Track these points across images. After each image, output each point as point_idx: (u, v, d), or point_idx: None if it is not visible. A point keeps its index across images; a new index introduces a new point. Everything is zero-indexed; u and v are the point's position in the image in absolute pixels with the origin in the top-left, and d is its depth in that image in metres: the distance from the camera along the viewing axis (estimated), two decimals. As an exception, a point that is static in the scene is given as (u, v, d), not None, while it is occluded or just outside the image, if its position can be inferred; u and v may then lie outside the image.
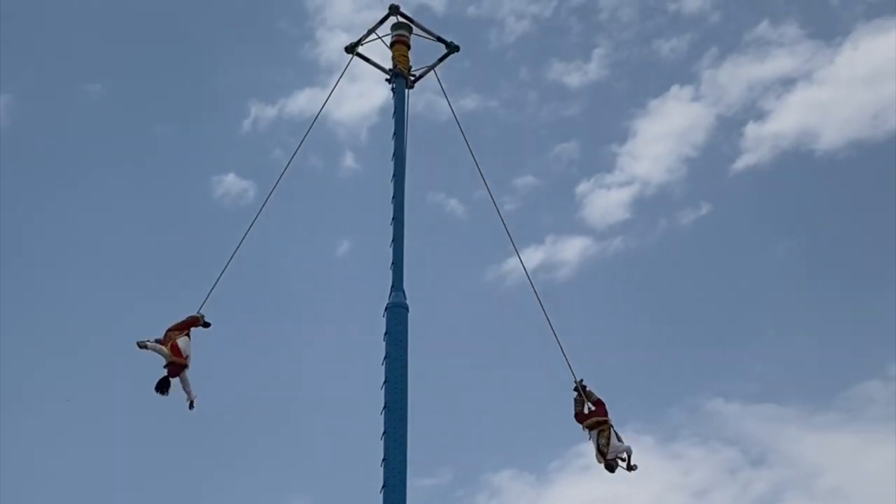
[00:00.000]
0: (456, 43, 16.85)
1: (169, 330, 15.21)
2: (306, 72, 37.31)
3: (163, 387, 14.81)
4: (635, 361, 33.28)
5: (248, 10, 38.81)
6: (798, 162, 35.82)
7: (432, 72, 16.76)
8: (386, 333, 14.22)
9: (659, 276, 35.66)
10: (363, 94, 16.78)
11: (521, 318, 34.72)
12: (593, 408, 15.04)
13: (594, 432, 14.92)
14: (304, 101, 36.35)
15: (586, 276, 34.19)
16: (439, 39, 16.88)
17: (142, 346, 14.83)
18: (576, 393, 15.15)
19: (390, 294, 14.51)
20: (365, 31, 16.87)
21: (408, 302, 14.57)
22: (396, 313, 14.31)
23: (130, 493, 27.93)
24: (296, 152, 16.53)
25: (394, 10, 16.65)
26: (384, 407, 13.79)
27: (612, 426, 14.88)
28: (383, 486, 13.35)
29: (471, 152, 16.16)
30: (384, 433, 13.63)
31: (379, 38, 16.69)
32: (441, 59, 16.83)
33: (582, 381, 15.16)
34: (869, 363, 32.54)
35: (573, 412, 15.18)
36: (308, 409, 30.36)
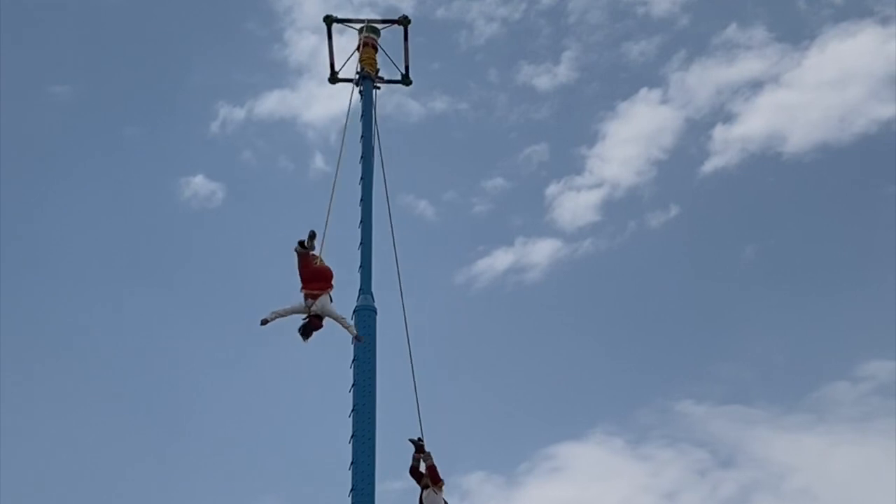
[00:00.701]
0: (406, 16, 16.74)
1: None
2: (275, 73, 37.21)
3: (306, 330, 13.42)
4: (605, 363, 33.40)
5: (216, 11, 38.66)
6: (766, 164, 36.05)
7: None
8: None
9: (628, 278, 35.81)
10: (333, 96, 16.78)
11: (491, 320, 34.87)
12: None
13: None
14: (272, 103, 36.27)
15: (556, 277, 34.23)
16: (384, 21, 16.81)
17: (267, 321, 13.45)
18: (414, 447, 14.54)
19: (358, 297, 14.51)
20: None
21: (377, 304, 14.54)
22: (364, 316, 14.29)
23: (101, 493, 27.78)
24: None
25: (329, 20, 16.65)
26: (352, 410, 13.76)
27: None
28: (352, 489, 13.33)
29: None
30: (353, 436, 13.59)
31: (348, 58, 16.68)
32: (406, 38, 16.73)
33: (420, 438, 14.55)
34: (837, 365, 32.79)
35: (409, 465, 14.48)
36: (277, 411, 30.27)
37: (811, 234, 35.86)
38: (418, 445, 14.41)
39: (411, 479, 14.23)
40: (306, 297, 13.44)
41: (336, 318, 13.39)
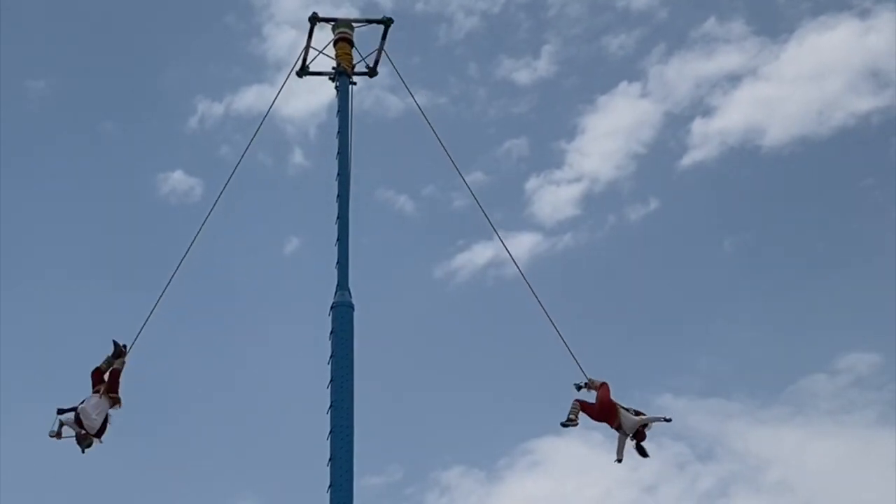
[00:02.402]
0: (388, 16, 16.69)
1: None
2: (254, 68, 37.04)
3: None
4: (584, 358, 33.40)
5: (194, 5, 38.50)
6: (744, 158, 36.16)
7: (384, 55, 16.73)
8: (332, 332, 14.16)
9: (608, 271, 35.89)
10: (312, 91, 16.73)
11: (471, 314, 34.87)
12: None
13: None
14: (251, 98, 36.09)
15: (536, 271, 34.00)
16: (369, 21, 16.78)
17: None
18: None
19: (336, 293, 14.45)
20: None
21: (356, 300, 14.48)
22: (342, 312, 14.24)
23: (76, 494, 27.63)
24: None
25: (314, 18, 16.55)
26: (330, 406, 13.72)
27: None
28: (330, 486, 13.30)
29: (437, 137, 16.06)
30: (330, 432, 13.56)
31: (320, 51, 16.59)
32: (384, 38, 16.70)
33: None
34: (815, 357, 32.95)
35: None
36: (255, 408, 30.20)
37: (790, 227, 36.05)
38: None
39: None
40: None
41: None
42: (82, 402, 14.16)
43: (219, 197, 16.16)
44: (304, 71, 16.83)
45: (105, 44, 37.39)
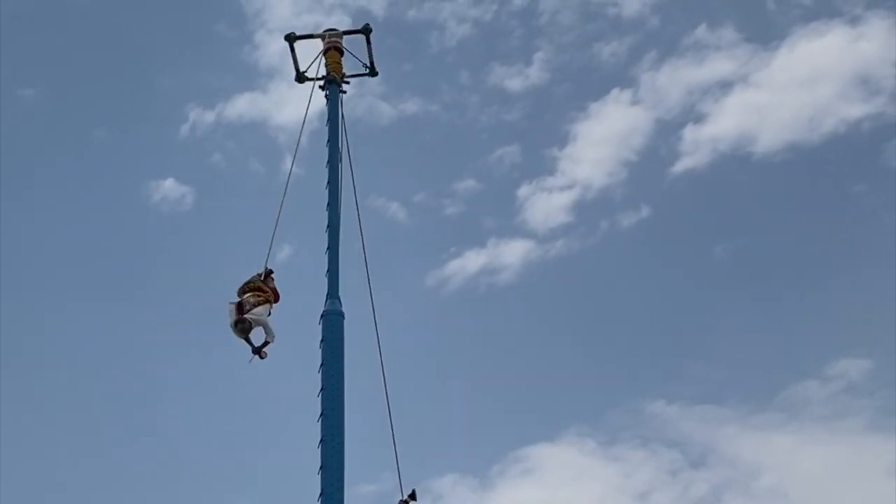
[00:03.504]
0: (368, 25, 16.78)
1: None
2: (245, 76, 37.19)
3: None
4: (578, 364, 33.50)
5: (185, 13, 38.53)
6: (736, 165, 36.29)
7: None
8: (322, 341, 14.16)
9: (600, 278, 35.96)
10: (304, 98, 16.78)
11: (463, 322, 34.87)
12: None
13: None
14: (243, 106, 36.21)
15: (529, 279, 34.36)
16: (347, 32, 16.79)
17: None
18: None
19: (326, 301, 14.47)
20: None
21: (349, 307, 14.51)
22: (332, 320, 14.25)
23: (69, 498, 27.60)
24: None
25: (291, 38, 16.60)
26: (321, 414, 13.72)
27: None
28: (321, 494, 13.29)
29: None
30: (321, 440, 13.55)
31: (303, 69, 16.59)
32: (369, 45, 16.75)
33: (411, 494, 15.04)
34: (806, 364, 33.06)
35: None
36: (246, 416, 30.16)
37: (781, 233, 36.16)
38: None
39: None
40: None
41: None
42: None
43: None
44: (302, 78, 16.79)
45: (97, 52, 37.47)
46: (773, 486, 30.89)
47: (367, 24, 16.73)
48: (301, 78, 16.79)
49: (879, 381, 32.08)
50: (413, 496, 14.36)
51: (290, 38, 16.67)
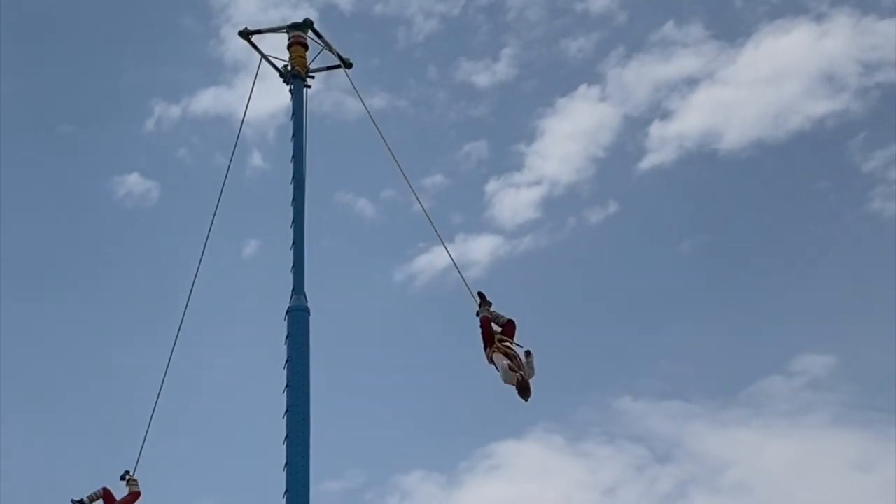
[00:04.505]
0: (350, 61, 16.62)
1: None
2: (211, 70, 36.90)
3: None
4: (544, 360, 33.44)
5: (151, 7, 38.22)
6: (702, 161, 36.39)
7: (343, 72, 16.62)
8: (287, 337, 14.10)
9: (568, 274, 36.00)
10: (271, 93, 16.67)
11: (431, 318, 34.84)
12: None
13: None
14: (208, 101, 35.94)
15: (497, 274, 34.28)
16: (340, 57, 16.60)
17: None
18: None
19: (291, 297, 14.39)
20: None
21: (315, 304, 14.42)
22: (297, 317, 14.17)
23: (37, 499, 27.35)
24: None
25: (308, 24, 16.45)
26: (286, 411, 13.66)
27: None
28: (286, 491, 13.23)
29: (386, 143, 15.99)
30: (286, 437, 13.49)
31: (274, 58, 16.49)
32: (329, 68, 16.64)
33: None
34: (771, 359, 33.20)
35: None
36: (211, 412, 29.99)
37: (746, 229, 36.31)
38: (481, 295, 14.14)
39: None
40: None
41: None
42: None
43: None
44: (247, 33, 16.61)
45: (62, 46, 37.13)
46: (739, 480, 31.08)
47: (308, 19, 16.47)
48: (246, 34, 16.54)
49: (843, 376, 32.37)
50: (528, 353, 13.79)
51: (245, 34, 16.46)
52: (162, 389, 15.29)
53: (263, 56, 16.43)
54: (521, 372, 13.43)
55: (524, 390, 13.36)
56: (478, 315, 14.26)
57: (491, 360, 13.67)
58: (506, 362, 13.38)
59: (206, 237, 15.64)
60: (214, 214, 15.57)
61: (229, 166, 15.84)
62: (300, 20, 16.52)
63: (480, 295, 14.42)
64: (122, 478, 15.66)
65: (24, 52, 36.95)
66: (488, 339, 13.85)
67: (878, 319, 31.59)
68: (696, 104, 36.31)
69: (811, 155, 36.43)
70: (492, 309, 14.28)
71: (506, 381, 13.36)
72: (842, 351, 32.32)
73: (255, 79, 16.31)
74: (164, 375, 15.54)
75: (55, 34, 37.04)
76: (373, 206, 35.19)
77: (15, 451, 28.48)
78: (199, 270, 15.80)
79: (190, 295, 15.41)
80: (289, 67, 16.20)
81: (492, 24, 38.33)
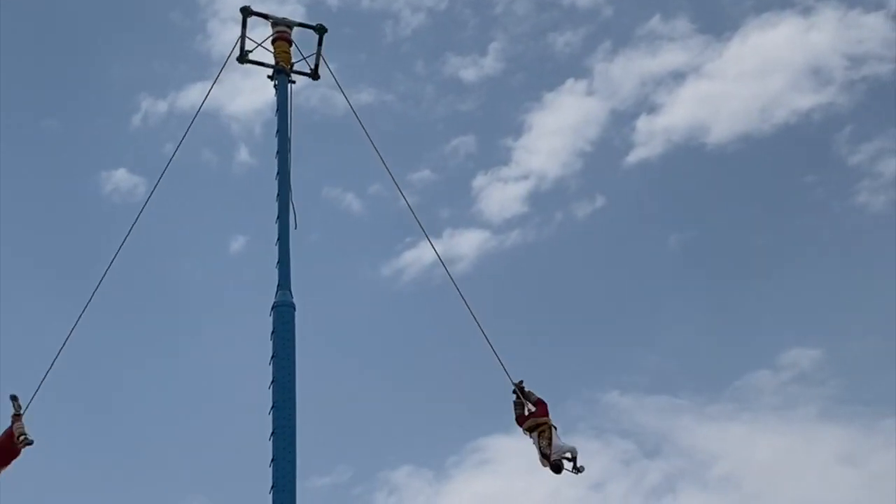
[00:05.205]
0: (323, 24, 16.50)
1: None
2: (198, 65, 36.80)
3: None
4: (532, 355, 33.49)
5: (138, 2, 38.11)
6: (689, 155, 36.48)
7: (322, 59, 16.49)
8: (273, 332, 14.05)
9: (555, 269, 36.04)
10: (257, 88, 16.61)
11: (419, 312, 34.83)
12: (534, 409, 14.62)
13: (535, 434, 14.48)
14: (195, 95, 35.69)
15: (484, 269, 34.33)
16: (303, 25, 16.53)
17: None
18: (514, 395, 14.87)
19: (277, 293, 14.34)
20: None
21: (302, 299, 14.39)
22: (283, 312, 14.13)
23: (22, 495, 27.22)
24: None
25: (321, 29, 16.41)
26: (272, 406, 13.62)
27: (553, 427, 14.45)
28: (272, 487, 13.19)
29: (371, 142, 15.97)
30: (273, 433, 13.45)
31: (258, 44, 16.43)
32: (320, 44, 16.50)
33: (521, 382, 14.90)
34: (759, 353, 33.31)
35: (513, 415, 14.82)
36: (197, 408, 29.98)
37: (733, 223, 36.40)
38: (520, 389, 14.59)
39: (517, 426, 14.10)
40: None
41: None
42: None
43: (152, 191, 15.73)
44: (243, 58, 16.51)
45: (48, 40, 36.96)
46: (727, 474, 31.18)
47: (322, 25, 16.47)
48: (243, 58, 16.49)
49: (830, 370, 32.49)
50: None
51: (245, 12, 16.29)
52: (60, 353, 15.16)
53: (256, 43, 16.32)
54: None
55: (556, 468, 14.36)
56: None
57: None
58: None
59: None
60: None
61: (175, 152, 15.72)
62: (312, 23, 16.58)
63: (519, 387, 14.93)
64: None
65: (8, 45, 36.81)
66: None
67: (866, 313, 31.76)
68: (683, 98, 36.41)
69: (798, 148, 36.57)
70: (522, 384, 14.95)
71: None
72: (829, 345, 32.48)
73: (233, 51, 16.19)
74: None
75: (40, 28, 36.90)
76: (360, 201, 35.19)
77: None
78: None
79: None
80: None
81: (479, 18, 38.36)
